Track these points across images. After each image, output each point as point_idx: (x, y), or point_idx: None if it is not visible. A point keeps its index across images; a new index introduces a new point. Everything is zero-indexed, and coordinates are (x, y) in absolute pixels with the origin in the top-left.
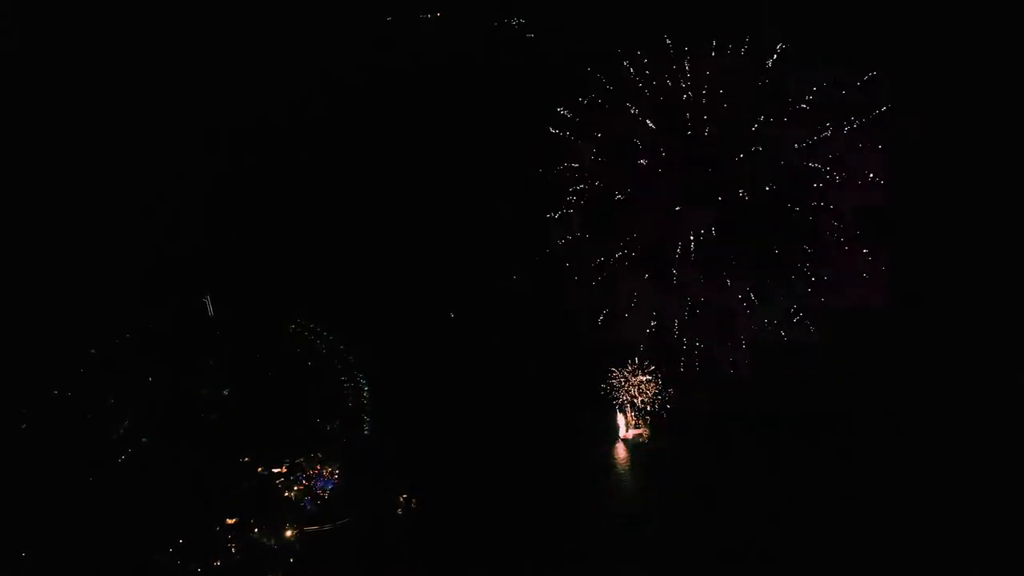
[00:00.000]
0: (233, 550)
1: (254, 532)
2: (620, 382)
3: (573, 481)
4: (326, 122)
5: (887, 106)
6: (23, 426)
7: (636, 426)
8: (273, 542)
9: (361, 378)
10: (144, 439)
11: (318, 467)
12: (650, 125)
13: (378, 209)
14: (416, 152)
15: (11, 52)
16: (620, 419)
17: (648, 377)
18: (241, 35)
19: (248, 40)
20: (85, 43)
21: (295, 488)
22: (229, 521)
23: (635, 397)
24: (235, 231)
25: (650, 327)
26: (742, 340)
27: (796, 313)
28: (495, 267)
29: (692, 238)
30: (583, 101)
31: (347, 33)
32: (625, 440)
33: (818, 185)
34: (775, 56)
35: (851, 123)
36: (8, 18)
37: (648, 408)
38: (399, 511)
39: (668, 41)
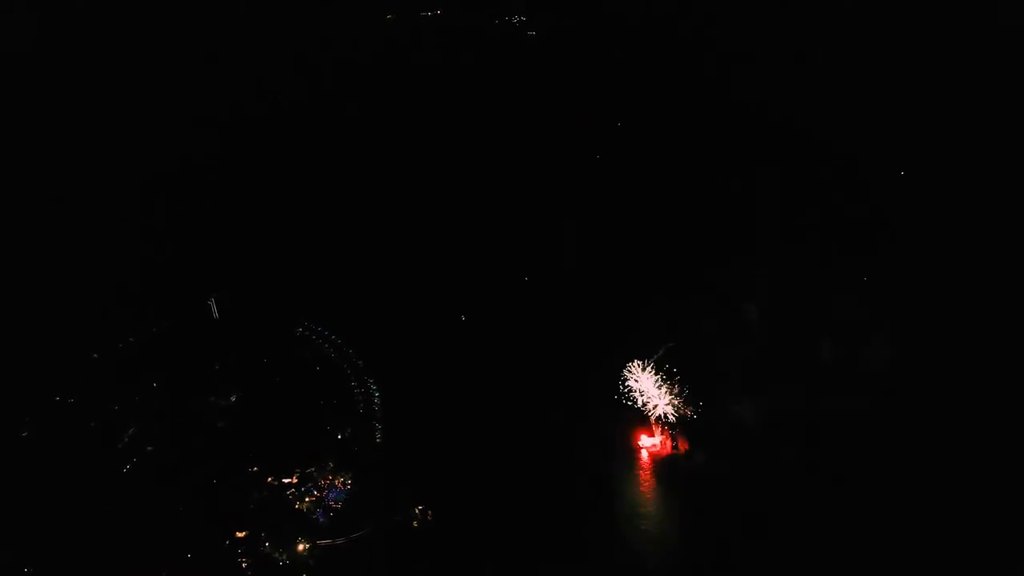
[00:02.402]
0: (244, 565)
1: (265, 546)
2: (639, 387)
3: (588, 489)
4: (333, 126)
5: None
6: (24, 434)
7: (656, 433)
8: (285, 556)
9: (371, 383)
10: (150, 447)
11: (330, 477)
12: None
13: (388, 212)
14: (424, 156)
15: (22, 52)
16: (640, 425)
17: (665, 381)
18: (249, 35)
19: (257, 40)
20: (88, 47)
21: (307, 499)
22: (239, 534)
23: (655, 404)
24: (240, 233)
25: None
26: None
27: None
28: (506, 269)
29: None
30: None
31: (345, 33)
32: (643, 447)
33: None
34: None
35: None
36: (17, 18)
37: (669, 416)
38: (415, 523)
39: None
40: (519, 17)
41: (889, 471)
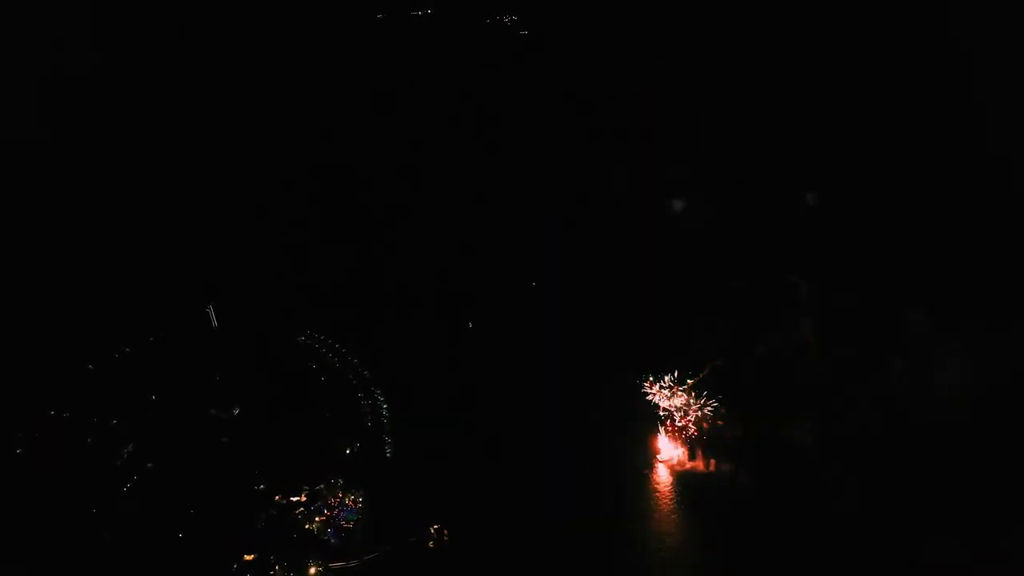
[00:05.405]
0: None
1: (275, 569)
2: (660, 400)
3: (608, 507)
4: (333, 130)
5: None
6: (18, 451)
7: (679, 447)
8: None
9: (379, 394)
10: (150, 464)
11: (340, 494)
12: None
13: (392, 218)
14: (427, 162)
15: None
16: (661, 439)
17: (686, 396)
18: (251, 41)
19: (259, 47)
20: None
21: (317, 519)
22: (247, 557)
23: (677, 417)
24: (241, 240)
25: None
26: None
27: None
28: (514, 275)
29: None
30: None
31: (340, 36)
32: (665, 463)
33: None
34: None
35: None
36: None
37: (692, 429)
38: (430, 543)
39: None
40: (511, 16)
41: (962, 505)
